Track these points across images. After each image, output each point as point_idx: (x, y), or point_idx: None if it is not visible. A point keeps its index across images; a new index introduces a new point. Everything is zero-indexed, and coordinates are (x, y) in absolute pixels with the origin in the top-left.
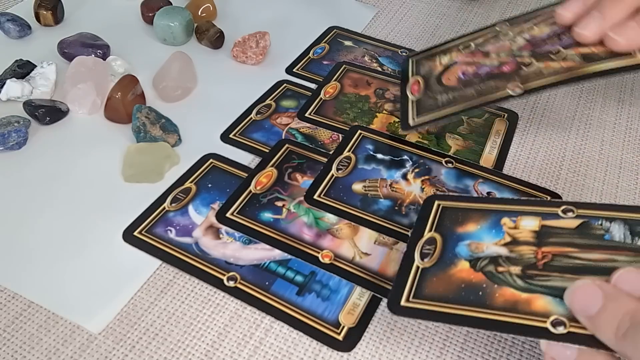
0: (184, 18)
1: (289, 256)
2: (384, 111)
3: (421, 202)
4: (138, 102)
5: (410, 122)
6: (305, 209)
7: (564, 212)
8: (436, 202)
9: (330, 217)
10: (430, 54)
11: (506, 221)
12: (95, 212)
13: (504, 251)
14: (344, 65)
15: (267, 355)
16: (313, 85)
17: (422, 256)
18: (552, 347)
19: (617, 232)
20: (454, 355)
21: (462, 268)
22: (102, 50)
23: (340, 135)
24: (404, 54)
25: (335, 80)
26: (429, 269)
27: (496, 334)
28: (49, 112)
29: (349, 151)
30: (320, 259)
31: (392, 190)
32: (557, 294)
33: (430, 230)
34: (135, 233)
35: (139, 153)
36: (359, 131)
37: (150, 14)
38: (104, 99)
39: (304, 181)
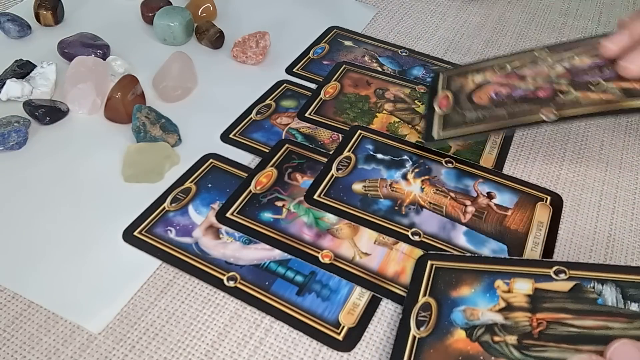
0: (184, 18)
1: (289, 256)
2: (384, 111)
3: (421, 202)
4: (138, 102)
5: (435, 135)
6: (305, 209)
7: (555, 273)
8: (429, 263)
9: (330, 217)
10: (464, 71)
11: (500, 284)
12: (95, 212)
13: (499, 318)
14: (344, 65)
15: (267, 355)
16: (313, 85)
17: (418, 324)
18: None
19: (610, 295)
20: None
21: (459, 338)
22: (102, 50)
23: (340, 135)
24: (404, 54)
25: (335, 80)
26: (426, 339)
27: None
28: (49, 112)
29: (349, 151)
30: (320, 259)
31: (392, 190)
32: None
33: (425, 294)
34: (135, 233)
35: (139, 153)
36: (359, 131)
37: (150, 14)
38: (104, 99)
39: (304, 181)
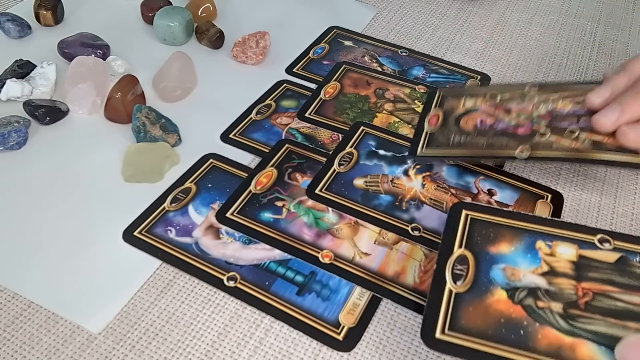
0: (184, 18)
1: (289, 256)
2: (384, 111)
3: (422, 198)
4: (138, 102)
5: (419, 151)
6: (305, 209)
7: (600, 242)
8: (464, 212)
9: (330, 217)
10: (459, 94)
11: (541, 245)
12: (95, 212)
13: (542, 282)
14: (344, 65)
15: (267, 355)
16: (313, 85)
17: (455, 278)
18: None
19: None
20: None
21: (500, 298)
22: (102, 50)
23: (340, 135)
24: (404, 54)
25: (335, 80)
26: (464, 295)
27: None
28: (49, 112)
29: (351, 147)
30: (320, 259)
31: (393, 186)
32: (603, 341)
33: (460, 246)
34: (135, 233)
35: (139, 153)
36: (362, 127)
37: (150, 14)
38: (104, 99)
39: (304, 181)
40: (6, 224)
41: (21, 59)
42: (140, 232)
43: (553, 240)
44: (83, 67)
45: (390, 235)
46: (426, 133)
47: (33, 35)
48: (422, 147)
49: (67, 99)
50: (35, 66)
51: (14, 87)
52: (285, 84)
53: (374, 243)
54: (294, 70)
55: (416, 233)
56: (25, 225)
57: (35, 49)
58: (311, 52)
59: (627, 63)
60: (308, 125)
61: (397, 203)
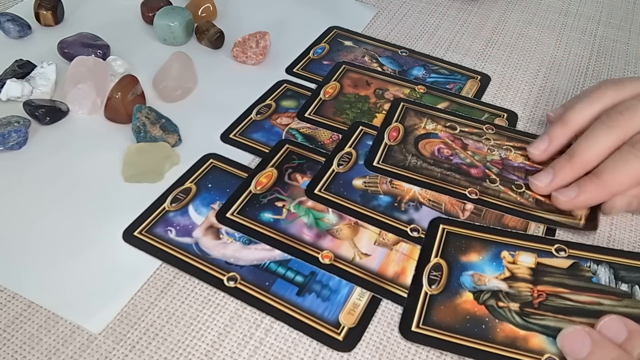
0: (184, 18)
1: (289, 256)
2: (384, 111)
3: (421, 199)
4: (138, 102)
5: (375, 163)
6: (305, 209)
7: (557, 250)
8: (441, 226)
9: (330, 218)
10: (421, 111)
11: (505, 255)
12: (95, 212)
13: (504, 286)
14: (344, 65)
15: (267, 355)
16: (313, 85)
17: (430, 282)
18: None
19: (603, 275)
20: (454, 355)
21: (467, 299)
22: (102, 50)
23: (340, 135)
24: (404, 54)
25: (334, 80)
26: (437, 297)
27: None
28: (49, 112)
29: (350, 147)
30: (320, 259)
31: (392, 187)
32: (551, 333)
33: (437, 255)
34: (135, 233)
35: (139, 153)
36: (361, 127)
37: (150, 14)
38: (104, 99)
39: (304, 181)
40: (6, 224)
41: (21, 59)
42: (140, 232)
43: (516, 250)
44: (83, 67)
45: (390, 236)
46: (385, 145)
47: (33, 35)
48: (379, 160)
49: (67, 99)
50: (35, 66)
51: (14, 87)
52: (285, 84)
53: (374, 244)
54: (294, 70)
55: (415, 234)
56: (25, 225)
57: (35, 49)
58: (311, 52)
59: (566, 112)
60: (308, 125)
61: (396, 204)
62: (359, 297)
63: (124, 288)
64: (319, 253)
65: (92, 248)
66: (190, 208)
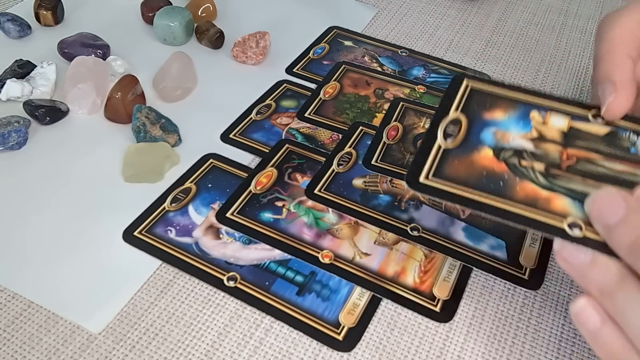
0: (184, 18)
1: (289, 256)
2: (384, 111)
3: (421, 197)
4: (138, 102)
5: (373, 161)
6: (305, 209)
7: (594, 116)
8: (465, 82)
9: (330, 218)
10: (420, 111)
11: (535, 115)
12: (95, 212)
13: (529, 146)
14: (344, 65)
15: (267, 355)
16: (313, 85)
17: (446, 136)
18: (566, 248)
19: None
20: (454, 355)
21: (485, 155)
22: (102, 50)
23: (340, 135)
24: (404, 54)
25: (334, 80)
26: (451, 151)
27: (511, 224)
28: (49, 112)
29: (350, 147)
30: (320, 259)
31: (392, 186)
32: (578, 197)
33: (457, 110)
34: (135, 233)
35: (139, 153)
36: (360, 127)
37: (150, 14)
38: (104, 99)
39: (304, 181)
40: (6, 224)
41: (21, 59)
42: (140, 232)
43: (547, 111)
44: (83, 67)
45: (390, 236)
46: (383, 143)
47: (33, 35)
48: (378, 158)
49: (67, 99)
50: (35, 66)
51: (14, 87)
52: (285, 84)
53: (374, 243)
54: (294, 70)
55: (415, 233)
56: (25, 225)
57: (35, 49)
58: (311, 52)
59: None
60: (308, 125)
61: (396, 203)
62: (359, 297)
63: (124, 288)
64: (319, 253)
65: (92, 248)
66: (190, 208)
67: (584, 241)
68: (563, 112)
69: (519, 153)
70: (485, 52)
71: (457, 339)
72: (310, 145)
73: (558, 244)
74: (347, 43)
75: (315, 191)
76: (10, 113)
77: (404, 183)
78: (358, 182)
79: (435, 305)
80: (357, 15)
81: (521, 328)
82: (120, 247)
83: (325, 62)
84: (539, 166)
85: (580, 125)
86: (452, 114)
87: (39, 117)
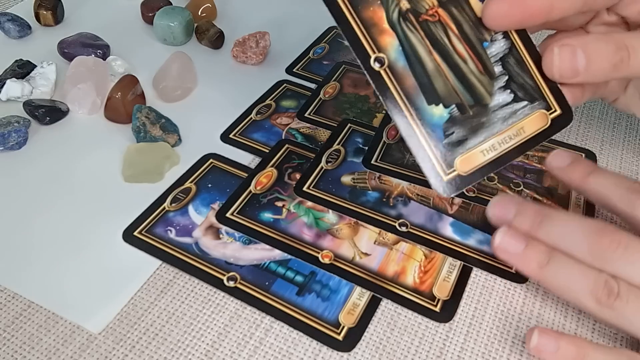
0: (184, 18)
1: (289, 256)
2: (384, 111)
3: (409, 194)
4: (138, 102)
5: (373, 161)
6: (305, 209)
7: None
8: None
9: (330, 218)
10: None
11: None
12: (95, 212)
13: None
14: (344, 65)
15: (267, 355)
16: (313, 85)
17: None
18: (504, 242)
19: (496, 47)
20: (454, 355)
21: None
22: (102, 50)
23: None
24: None
25: (334, 80)
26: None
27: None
28: (49, 112)
29: (338, 144)
30: (320, 259)
31: (381, 183)
32: (405, 48)
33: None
34: (135, 233)
35: (139, 153)
36: (349, 124)
37: (150, 14)
38: (104, 99)
39: None
40: (6, 224)
41: (21, 59)
42: (140, 232)
43: None
44: (83, 67)
45: (390, 236)
46: (384, 143)
47: (33, 35)
48: (377, 158)
49: (67, 99)
50: (35, 66)
51: (14, 87)
52: (285, 84)
53: (374, 243)
54: (294, 70)
55: (404, 229)
56: (25, 225)
57: (35, 49)
58: (311, 52)
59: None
60: (308, 125)
61: (384, 199)
62: (359, 297)
63: (124, 288)
64: (318, 253)
65: (92, 248)
66: (190, 208)
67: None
68: None
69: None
70: None
71: (457, 339)
72: (310, 145)
73: (497, 240)
74: (347, 43)
75: (304, 188)
76: (10, 113)
77: (392, 180)
78: (347, 179)
79: (435, 305)
80: None
81: (521, 328)
82: (120, 247)
83: (325, 62)
84: (405, 5)
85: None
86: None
87: (39, 117)
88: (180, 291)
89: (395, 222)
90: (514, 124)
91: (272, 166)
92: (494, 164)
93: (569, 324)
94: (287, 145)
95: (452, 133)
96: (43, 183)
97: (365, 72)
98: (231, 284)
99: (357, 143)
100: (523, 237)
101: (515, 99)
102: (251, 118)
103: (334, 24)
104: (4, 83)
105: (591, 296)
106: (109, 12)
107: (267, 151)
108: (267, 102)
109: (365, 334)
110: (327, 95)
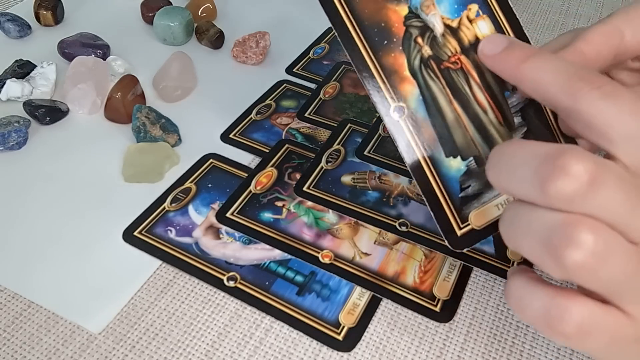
0: (184, 18)
1: (289, 256)
2: None
3: (409, 193)
4: (138, 102)
5: (366, 152)
6: (305, 209)
7: None
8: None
9: (330, 217)
10: None
11: (473, 8)
12: (95, 212)
13: (439, 29)
14: (344, 65)
15: (267, 355)
16: (313, 85)
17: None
18: None
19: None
20: (454, 355)
21: (400, 9)
22: (102, 50)
23: None
24: None
25: (334, 80)
26: None
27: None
28: (49, 112)
29: (338, 144)
30: (320, 259)
31: (381, 182)
32: (427, 93)
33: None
34: (135, 233)
35: (139, 153)
36: (349, 124)
37: (150, 14)
38: (104, 99)
39: None
40: (6, 224)
41: (21, 59)
42: (140, 232)
43: (486, 14)
44: (83, 67)
45: (390, 236)
46: (379, 135)
47: (33, 35)
48: (371, 149)
49: (67, 99)
50: (35, 66)
51: (14, 87)
52: (285, 84)
53: (374, 243)
54: (294, 70)
55: (404, 229)
56: (25, 225)
57: (35, 49)
58: (311, 52)
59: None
60: (308, 125)
61: (384, 199)
62: (359, 297)
63: (124, 288)
64: (319, 252)
65: (92, 248)
66: (190, 208)
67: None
68: (497, 23)
69: (424, 29)
70: None
71: (457, 339)
72: (310, 145)
73: (480, 46)
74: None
75: (304, 188)
76: (10, 113)
77: (392, 179)
78: (347, 178)
79: (435, 305)
80: None
81: (521, 328)
82: (120, 247)
83: (325, 62)
84: (427, 51)
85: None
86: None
87: (39, 117)
88: (180, 291)
89: (396, 221)
90: None
91: (272, 166)
92: None
93: None
94: (287, 145)
95: (469, 186)
96: (43, 183)
97: (383, 120)
98: (231, 284)
99: (357, 143)
100: (506, 39)
101: None
102: (251, 118)
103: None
104: (4, 83)
105: (566, 88)
106: (109, 12)
107: (267, 151)
108: (267, 102)
109: (365, 334)
110: (327, 95)
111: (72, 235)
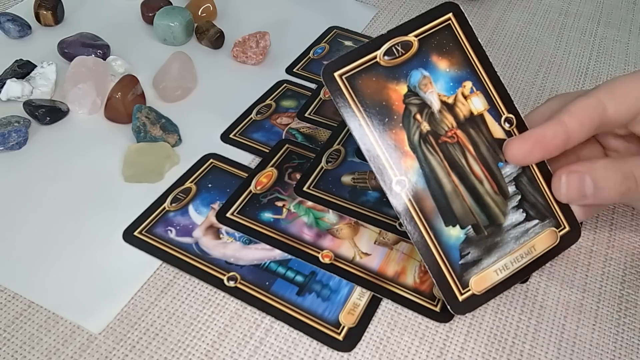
0: (184, 18)
1: (289, 256)
2: None
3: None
4: (138, 102)
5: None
6: (305, 209)
7: (505, 121)
8: (448, 15)
9: (330, 217)
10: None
11: (467, 85)
12: (95, 212)
13: (436, 106)
14: None
15: (267, 355)
16: (313, 85)
17: (387, 53)
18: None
19: (512, 168)
20: (454, 355)
21: (399, 89)
22: (102, 50)
23: None
24: None
25: None
26: (376, 66)
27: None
28: (49, 112)
29: (338, 144)
30: (321, 259)
31: None
32: (426, 167)
33: (409, 33)
34: (136, 233)
35: (139, 153)
36: None
37: (150, 14)
38: (104, 99)
39: None
40: (6, 224)
41: (21, 59)
42: (140, 232)
43: (479, 91)
44: (83, 67)
45: (391, 236)
46: None
47: (33, 35)
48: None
49: (67, 99)
50: (35, 66)
51: (14, 87)
52: (285, 84)
53: (374, 243)
54: (294, 70)
55: (404, 229)
56: (25, 225)
57: (35, 49)
58: (311, 52)
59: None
60: (308, 125)
61: (384, 199)
62: (359, 297)
63: (124, 288)
64: (319, 252)
65: (92, 248)
66: (190, 208)
67: None
68: (490, 98)
69: (422, 106)
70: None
71: (457, 339)
72: (311, 145)
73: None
74: (347, 43)
75: (304, 188)
76: (10, 113)
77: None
78: (347, 178)
79: (436, 305)
80: (357, 15)
81: (521, 328)
82: (120, 247)
83: (325, 62)
84: (425, 127)
85: (488, 118)
86: (404, 37)
87: (39, 117)
88: (180, 291)
89: (396, 222)
90: (525, 243)
91: (272, 166)
92: (506, 283)
93: (569, 324)
94: (287, 145)
95: (468, 254)
96: (43, 183)
97: (386, 193)
98: (231, 284)
99: (357, 143)
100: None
101: (527, 218)
102: (251, 118)
103: (333, 24)
104: (4, 83)
105: None
106: (109, 12)
107: (267, 151)
108: (267, 102)
109: (365, 334)
110: (327, 95)
111: (72, 235)
